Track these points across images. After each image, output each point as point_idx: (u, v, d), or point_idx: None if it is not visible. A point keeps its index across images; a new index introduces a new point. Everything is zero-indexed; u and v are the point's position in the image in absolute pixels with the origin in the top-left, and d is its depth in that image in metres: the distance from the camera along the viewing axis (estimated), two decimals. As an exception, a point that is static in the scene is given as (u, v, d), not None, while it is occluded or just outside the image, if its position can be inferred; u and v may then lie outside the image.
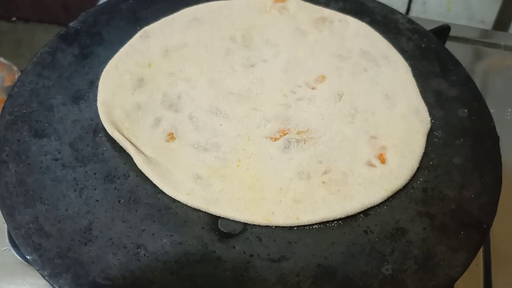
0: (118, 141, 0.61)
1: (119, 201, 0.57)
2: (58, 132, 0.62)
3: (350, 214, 0.57)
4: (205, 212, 0.56)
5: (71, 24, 0.74)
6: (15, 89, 0.66)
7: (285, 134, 0.63)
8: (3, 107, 0.64)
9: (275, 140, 0.63)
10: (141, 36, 0.72)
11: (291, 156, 0.61)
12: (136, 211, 0.56)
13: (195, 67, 0.70)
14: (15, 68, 0.93)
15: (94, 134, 0.62)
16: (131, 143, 0.61)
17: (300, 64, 0.72)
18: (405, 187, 0.60)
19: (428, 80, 0.71)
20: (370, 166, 0.61)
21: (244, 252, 0.54)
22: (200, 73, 0.69)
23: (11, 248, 0.68)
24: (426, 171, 0.61)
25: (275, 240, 0.55)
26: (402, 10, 1.12)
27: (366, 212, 0.57)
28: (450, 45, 0.79)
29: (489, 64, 0.98)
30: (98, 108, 0.64)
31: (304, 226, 0.56)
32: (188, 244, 0.54)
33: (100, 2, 0.80)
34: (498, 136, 0.65)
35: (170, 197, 0.57)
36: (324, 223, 0.56)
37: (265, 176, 0.59)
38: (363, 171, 0.60)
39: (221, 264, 0.53)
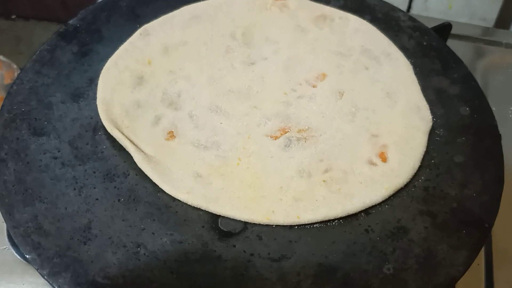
0: (117, 140, 0.61)
1: (118, 200, 0.56)
2: (57, 130, 0.62)
3: (351, 213, 0.56)
4: (205, 210, 0.56)
5: (70, 21, 0.74)
6: (14, 87, 0.66)
7: (286, 133, 0.63)
8: (2, 105, 0.64)
9: (275, 139, 0.62)
10: (140, 34, 0.72)
11: (291, 154, 0.61)
12: (136, 209, 0.56)
13: (195, 65, 0.70)
14: (15, 66, 0.93)
15: (94, 132, 0.62)
16: (131, 141, 0.60)
17: (301, 62, 0.71)
18: (406, 185, 0.59)
19: (429, 78, 0.71)
20: (371, 164, 0.61)
21: (244, 251, 0.53)
22: (200, 71, 0.69)
23: (10, 247, 0.67)
24: (427, 170, 0.61)
25: (275, 239, 0.54)
26: (403, 7, 1.11)
27: (367, 211, 0.57)
28: (451, 43, 0.79)
29: (490, 62, 0.97)
30: (98, 106, 0.63)
31: (305, 225, 0.56)
32: (188, 243, 0.54)
33: (100, 0, 0.79)
34: (500, 134, 0.65)
35: (170, 195, 0.57)
36: (324, 222, 0.56)
37: (265, 175, 0.59)
38: (364, 170, 0.60)
39: (221, 263, 0.52)
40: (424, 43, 0.75)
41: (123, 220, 0.55)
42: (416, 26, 0.78)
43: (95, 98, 0.64)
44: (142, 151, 0.60)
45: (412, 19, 0.79)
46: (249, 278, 0.52)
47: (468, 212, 0.57)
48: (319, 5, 0.78)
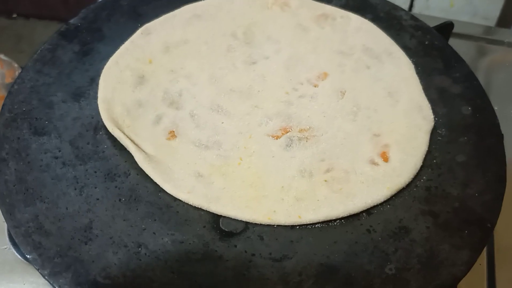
0: (118, 139, 0.61)
1: (119, 200, 0.56)
2: (58, 130, 0.62)
3: (353, 213, 0.56)
4: (206, 210, 0.56)
5: (71, 20, 0.74)
6: (15, 86, 0.65)
7: (287, 132, 0.63)
8: (3, 105, 0.64)
9: (277, 138, 0.62)
10: (142, 33, 0.72)
11: (293, 154, 0.61)
12: (136, 209, 0.56)
13: (196, 64, 0.70)
14: (16, 65, 0.93)
15: (95, 132, 0.62)
16: (132, 141, 0.60)
17: (302, 61, 0.71)
18: (408, 185, 0.59)
19: (431, 77, 0.70)
20: (372, 164, 0.60)
21: (245, 251, 0.53)
22: (201, 70, 0.69)
23: (11, 247, 0.67)
24: (429, 169, 0.61)
25: (277, 239, 0.54)
26: (405, 6, 1.11)
27: (368, 210, 0.57)
28: (453, 42, 0.79)
29: (492, 61, 0.97)
30: (99, 105, 0.63)
31: (306, 225, 0.55)
32: (189, 243, 0.53)
33: (101, -1, 0.79)
34: (502, 134, 0.65)
35: (171, 195, 0.57)
36: (326, 222, 0.56)
37: (266, 174, 0.59)
38: (365, 169, 0.60)
39: (223, 263, 0.52)
40: (426, 42, 0.75)
41: (124, 220, 0.55)
42: (418, 25, 0.77)
43: (96, 98, 0.64)
44: (143, 151, 0.60)
45: (413, 18, 0.78)
46: (250, 278, 0.52)
47: (470, 211, 0.57)
48: (321, 4, 0.78)
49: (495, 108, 0.67)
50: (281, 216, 0.55)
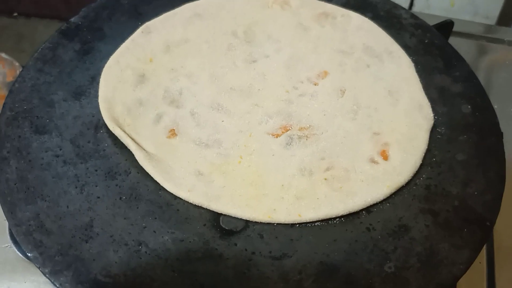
0: (119, 138, 0.61)
1: (120, 198, 0.56)
2: (59, 128, 0.62)
3: (353, 211, 0.56)
4: (206, 209, 0.56)
5: (72, 19, 0.74)
6: (16, 85, 0.66)
7: (287, 131, 0.63)
8: (4, 103, 0.64)
9: (277, 137, 0.62)
10: (142, 32, 0.72)
11: (293, 152, 0.61)
12: (137, 208, 0.56)
13: (197, 63, 0.70)
14: (17, 64, 0.93)
15: (95, 130, 0.62)
16: (132, 139, 0.60)
17: (302, 59, 0.71)
18: (408, 184, 0.59)
19: (431, 76, 0.70)
20: (372, 162, 0.60)
21: (245, 250, 0.53)
22: (202, 68, 0.69)
23: (12, 245, 0.67)
24: (429, 168, 0.61)
25: (277, 237, 0.54)
26: (405, 5, 1.11)
27: (368, 209, 0.57)
28: (453, 41, 0.79)
29: (493, 60, 0.97)
30: (99, 104, 0.63)
31: (306, 223, 0.56)
32: (190, 241, 0.54)
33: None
34: (502, 132, 0.65)
35: (172, 193, 0.57)
36: (326, 220, 0.56)
37: (267, 173, 0.59)
38: (365, 168, 0.60)
39: (223, 262, 0.52)
40: (426, 41, 0.75)
41: (124, 218, 0.55)
42: (418, 23, 0.77)
43: (97, 96, 0.64)
44: (144, 149, 0.60)
45: (414, 16, 0.78)
46: (250, 277, 0.52)
47: (470, 210, 0.57)
48: (321, 2, 0.78)
49: (495, 107, 0.67)
50: (281, 214, 0.55)
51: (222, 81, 0.68)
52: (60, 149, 0.60)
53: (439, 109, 0.66)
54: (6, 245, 0.68)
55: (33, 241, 0.53)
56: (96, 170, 0.59)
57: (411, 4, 1.13)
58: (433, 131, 0.64)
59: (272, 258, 0.53)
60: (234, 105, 0.65)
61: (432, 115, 0.65)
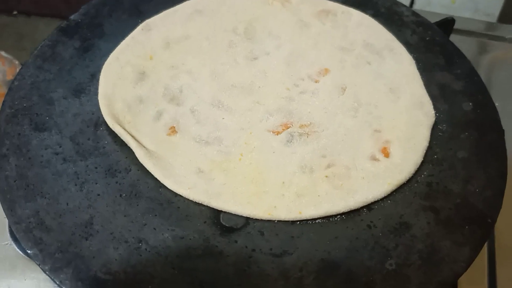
0: (119, 135, 0.60)
1: (120, 195, 0.56)
2: (58, 126, 0.62)
3: (354, 208, 0.56)
4: (207, 206, 0.56)
5: (72, 16, 0.74)
6: (16, 83, 0.65)
7: (288, 128, 0.63)
8: (4, 101, 0.64)
9: (277, 134, 0.62)
10: (142, 29, 0.72)
11: (294, 150, 0.61)
12: (137, 205, 0.56)
13: (197, 60, 0.69)
14: (17, 62, 0.93)
15: (95, 128, 0.62)
16: (133, 136, 0.60)
17: (303, 56, 0.71)
18: (409, 181, 0.59)
19: (432, 73, 0.70)
20: (373, 160, 0.60)
21: (246, 247, 0.53)
22: (202, 65, 0.69)
23: (12, 243, 0.67)
24: (430, 165, 0.61)
25: (277, 235, 0.54)
26: (406, 2, 1.11)
27: (369, 206, 0.57)
28: (454, 38, 0.79)
29: (494, 57, 0.97)
30: (99, 101, 0.63)
31: (307, 220, 0.55)
32: (190, 239, 0.53)
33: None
34: (503, 129, 0.65)
35: (172, 191, 0.57)
36: (327, 218, 0.56)
37: (267, 170, 0.59)
38: (366, 165, 0.60)
39: (223, 259, 0.52)
40: (427, 38, 0.75)
41: (124, 216, 0.55)
42: (419, 21, 0.77)
43: (96, 94, 0.64)
44: (144, 147, 0.60)
45: (415, 13, 0.78)
46: (251, 274, 0.52)
47: (471, 207, 0.57)
48: (322, -1, 0.78)
49: (496, 104, 0.67)
50: (281, 211, 0.55)
51: (222, 78, 0.68)
52: (60, 147, 0.60)
53: (440, 106, 0.66)
54: (6, 242, 0.68)
55: (33, 238, 0.53)
56: (96, 168, 0.58)
57: (412, 2, 1.13)
58: (434, 128, 0.64)
59: (273, 255, 0.53)
60: (234, 102, 0.65)
61: (433, 112, 0.65)
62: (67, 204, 0.55)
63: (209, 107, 0.64)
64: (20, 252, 0.67)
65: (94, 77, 0.66)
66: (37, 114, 0.63)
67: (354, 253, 0.53)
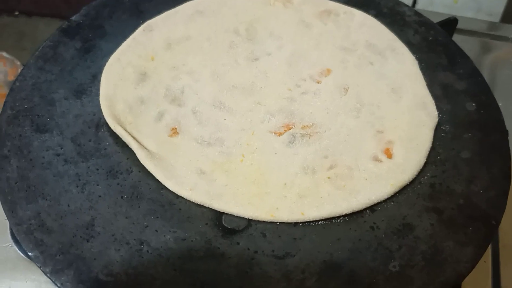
0: (120, 136, 0.60)
1: (121, 197, 0.56)
2: (60, 127, 0.62)
3: (356, 209, 0.56)
4: (208, 207, 0.56)
5: (73, 17, 0.74)
6: (17, 84, 0.65)
7: (290, 129, 0.63)
8: (5, 102, 0.63)
9: (279, 135, 0.62)
10: (144, 30, 0.72)
11: (296, 150, 0.61)
12: (139, 206, 0.55)
13: (199, 60, 0.69)
14: (18, 63, 0.93)
15: (97, 129, 0.62)
16: (134, 138, 0.60)
17: (305, 57, 0.71)
18: (412, 182, 0.59)
19: (435, 73, 0.70)
20: (376, 160, 0.60)
21: (248, 249, 0.53)
22: (204, 66, 0.69)
23: (13, 244, 0.67)
24: (433, 166, 0.60)
25: (279, 236, 0.54)
26: (408, 2, 1.10)
27: (372, 207, 0.56)
28: (457, 38, 0.78)
29: (497, 57, 0.96)
30: (101, 102, 0.63)
31: (309, 222, 0.55)
32: (192, 240, 0.53)
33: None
34: (507, 130, 0.64)
35: (173, 192, 0.57)
36: (329, 219, 0.55)
37: (269, 171, 0.59)
38: (369, 166, 0.59)
39: (225, 261, 0.52)
40: (430, 38, 0.74)
41: (126, 217, 0.54)
42: (421, 21, 0.77)
43: (98, 95, 0.64)
44: (145, 148, 0.60)
45: (417, 13, 0.78)
46: (253, 276, 0.51)
47: (474, 208, 0.57)
48: (324, 0, 0.77)
49: (500, 104, 0.67)
50: (284, 213, 0.55)
51: (224, 79, 0.67)
52: (61, 148, 0.60)
53: (443, 106, 0.66)
54: (7, 244, 0.68)
55: (34, 240, 0.52)
56: (97, 169, 0.58)
57: (415, 2, 1.13)
58: (437, 129, 0.63)
59: (275, 257, 0.52)
60: (236, 103, 0.65)
61: (436, 112, 0.65)
62: (68, 205, 0.55)
63: (211, 108, 0.64)
64: (21, 254, 0.66)
65: (95, 78, 0.66)
66: (38, 115, 0.62)
67: (357, 255, 0.53)
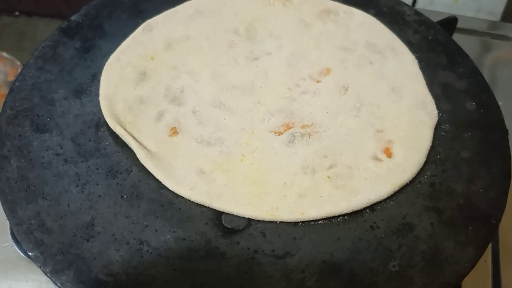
0: (120, 136, 0.60)
1: (121, 197, 0.56)
2: (60, 127, 0.61)
3: (356, 209, 0.56)
4: (208, 207, 0.56)
5: (72, 17, 0.74)
6: (17, 84, 0.65)
7: (290, 128, 0.62)
8: (5, 102, 0.63)
9: (279, 134, 0.62)
10: (143, 29, 0.71)
11: (295, 150, 0.60)
12: (139, 206, 0.55)
13: (198, 60, 0.69)
14: (18, 63, 0.93)
15: (96, 129, 0.62)
16: (134, 137, 0.60)
17: (305, 56, 0.70)
18: (412, 181, 0.59)
19: (435, 73, 0.70)
20: (376, 160, 0.60)
21: (248, 248, 0.53)
22: (203, 66, 0.69)
23: (14, 244, 0.67)
24: (433, 165, 0.60)
25: (279, 236, 0.54)
26: (408, 1, 1.10)
27: (372, 207, 0.56)
28: (457, 37, 0.78)
29: (497, 56, 0.96)
30: (100, 102, 0.63)
31: (309, 221, 0.55)
32: (192, 240, 0.53)
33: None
34: (507, 129, 0.64)
35: (173, 192, 0.56)
36: (329, 219, 0.55)
37: (269, 171, 0.58)
38: (369, 166, 0.59)
39: (225, 261, 0.52)
40: (430, 37, 0.74)
41: (126, 217, 0.54)
42: (421, 20, 0.77)
43: (97, 94, 0.64)
44: (145, 148, 0.59)
45: (417, 13, 0.78)
46: (253, 276, 0.51)
47: (475, 208, 0.57)
48: (323, -1, 0.77)
49: (500, 103, 0.67)
50: (283, 212, 0.55)
51: (223, 79, 0.67)
52: (61, 148, 0.60)
53: (443, 106, 0.66)
54: (8, 244, 0.68)
55: (34, 240, 0.52)
56: (97, 169, 0.58)
57: (414, 1, 1.12)
58: (437, 128, 0.63)
59: (275, 257, 0.52)
60: (236, 103, 0.65)
61: (436, 112, 0.65)
62: (68, 205, 0.55)
63: (210, 108, 0.64)
64: (22, 254, 0.66)
65: (95, 78, 0.66)
66: (38, 115, 0.62)
67: (357, 255, 0.53)
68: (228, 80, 0.67)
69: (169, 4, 0.75)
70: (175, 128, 0.62)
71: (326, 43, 0.72)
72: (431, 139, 0.62)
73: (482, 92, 0.68)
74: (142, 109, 0.63)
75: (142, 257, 0.52)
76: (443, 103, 0.66)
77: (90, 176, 0.58)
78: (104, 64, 0.67)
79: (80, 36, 0.71)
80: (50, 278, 0.51)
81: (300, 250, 0.53)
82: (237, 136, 0.62)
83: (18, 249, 0.67)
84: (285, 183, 0.57)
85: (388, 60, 0.70)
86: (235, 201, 0.56)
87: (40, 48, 0.69)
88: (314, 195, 0.56)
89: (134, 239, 0.53)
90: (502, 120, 0.65)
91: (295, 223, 0.55)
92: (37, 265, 0.51)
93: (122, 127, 0.60)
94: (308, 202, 0.56)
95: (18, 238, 0.53)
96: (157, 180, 0.57)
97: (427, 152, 0.61)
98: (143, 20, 0.73)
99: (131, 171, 0.58)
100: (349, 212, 0.56)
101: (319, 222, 0.55)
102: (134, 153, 0.59)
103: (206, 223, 0.55)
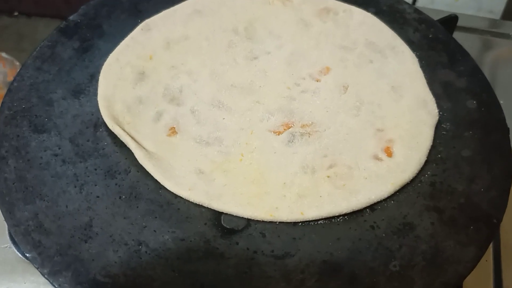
0: (119, 136, 0.60)
1: (120, 197, 0.56)
2: (58, 127, 0.61)
3: (356, 209, 0.55)
4: (207, 207, 0.55)
5: (71, 17, 0.74)
6: (15, 84, 0.65)
7: (289, 128, 0.62)
8: (2, 102, 0.63)
9: (278, 134, 0.62)
10: (142, 29, 0.71)
11: (295, 150, 0.60)
12: (137, 207, 0.55)
13: (197, 60, 0.69)
14: (17, 63, 0.92)
15: (95, 129, 0.61)
16: (132, 137, 0.60)
17: (304, 56, 0.70)
18: (412, 181, 0.58)
19: (435, 71, 0.69)
20: (376, 159, 0.59)
21: (247, 249, 0.53)
22: (202, 65, 0.68)
23: (12, 246, 0.67)
24: (434, 165, 0.60)
25: (279, 236, 0.54)
26: (409, 0, 1.10)
27: (372, 207, 0.56)
28: (458, 35, 0.78)
29: (498, 55, 0.96)
30: (99, 102, 0.63)
31: (309, 221, 0.55)
32: (190, 241, 0.53)
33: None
34: (508, 128, 0.64)
35: (172, 192, 0.56)
36: (329, 219, 0.55)
37: (268, 171, 0.58)
38: (369, 165, 0.59)
39: (224, 261, 0.52)
40: (430, 36, 0.74)
41: (124, 218, 0.54)
42: (421, 18, 0.76)
43: (96, 94, 0.64)
44: (144, 148, 0.59)
45: (417, 11, 0.77)
46: (252, 276, 0.51)
47: (476, 207, 0.56)
48: (323, -2, 0.77)
49: (501, 102, 0.66)
50: (283, 212, 0.55)
51: (222, 78, 0.67)
52: (59, 148, 0.59)
53: (443, 104, 0.65)
54: (6, 245, 0.68)
55: (31, 241, 0.52)
56: (95, 169, 0.58)
57: (415, -1, 1.12)
58: (438, 127, 0.63)
59: (274, 257, 0.52)
60: (235, 102, 0.65)
61: (436, 110, 0.64)
62: (67, 206, 0.55)
63: (209, 107, 0.64)
64: (20, 255, 0.66)
65: (93, 78, 0.66)
66: (36, 115, 0.62)
67: (357, 255, 0.52)
68: (227, 79, 0.67)
69: (168, 3, 0.75)
70: (174, 128, 0.62)
71: (325, 42, 0.72)
72: (432, 138, 0.62)
73: (483, 90, 0.67)
74: (141, 109, 0.63)
75: (141, 258, 0.52)
76: (443, 101, 0.66)
77: (88, 176, 0.57)
78: (102, 64, 0.67)
79: (78, 36, 0.71)
80: (48, 280, 0.50)
81: (299, 250, 0.53)
82: (236, 135, 0.61)
83: (16, 251, 0.66)
84: (284, 183, 0.57)
85: (388, 59, 0.70)
86: (234, 201, 0.55)
87: (38, 48, 0.69)
88: (314, 195, 0.56)
89: (133, 240, 0.53)
90: (503, 119, 0.64)
91: (295, 223, 0.55)
92: (35, 266, 0.51)
93: (120, 127, 0.60)
94: (307, 202, 0.55)
95: (16, 239, 0.53)
96: (156, 180, 0.57)
97: (428, 151, 0.60)
98: (142, 20, 0.72)
99: (130, 172, 0.58)
100: (349, 212, 0.55)
101: (319, 222, 0.55)
102: (133, 153, 0.59)
103: (205, 224, 0.54)
